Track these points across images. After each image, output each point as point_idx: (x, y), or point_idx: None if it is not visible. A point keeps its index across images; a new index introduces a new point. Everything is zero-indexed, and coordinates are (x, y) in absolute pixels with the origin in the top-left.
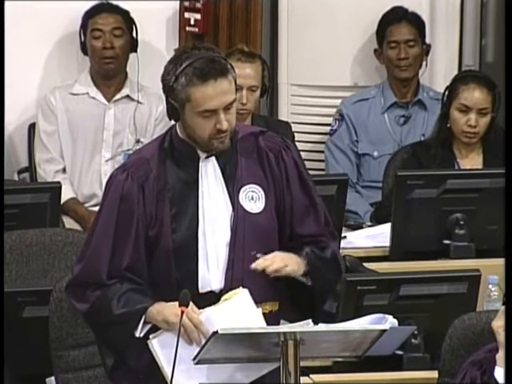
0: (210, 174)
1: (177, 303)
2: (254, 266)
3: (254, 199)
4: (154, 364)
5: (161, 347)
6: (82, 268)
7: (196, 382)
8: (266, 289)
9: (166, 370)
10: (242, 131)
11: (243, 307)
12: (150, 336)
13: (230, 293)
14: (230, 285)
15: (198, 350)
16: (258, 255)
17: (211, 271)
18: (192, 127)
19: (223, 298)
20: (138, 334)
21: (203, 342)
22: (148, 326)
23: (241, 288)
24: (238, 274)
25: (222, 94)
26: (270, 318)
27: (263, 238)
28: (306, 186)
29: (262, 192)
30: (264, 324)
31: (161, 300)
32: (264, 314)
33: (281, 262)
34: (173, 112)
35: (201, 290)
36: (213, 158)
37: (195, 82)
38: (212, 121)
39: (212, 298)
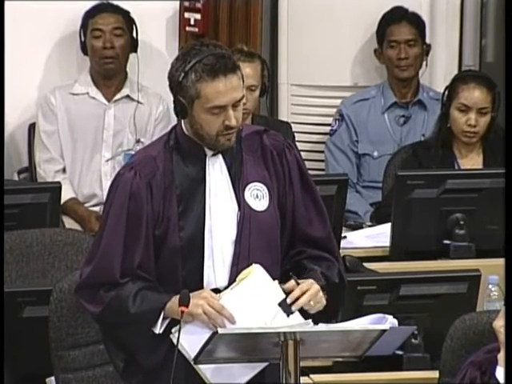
0: (216, 172)
1: (197, 292)
2: (289, 300)
3: (258, 197)
4: (165, 361)
5: (187, 340)
6: (94, 268)
7: None
8: None
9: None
10: (245, 129)
11: (260, 284)
12: (173, 330)
13: (245, 271)
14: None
15: (198, 349)
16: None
17: (216, 268)
18: (200, 124)
19: (238, 277)
20: (158, 330)
21: (228, 325)
22: (167, 322)
23: (253, 264)
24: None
25: (232, 90)
26: None
27: (267, 236)
28: (307, 184)
29: (266, 190)
30: (283, 296)
31: None
32: None
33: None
34: (181, 109)
35: (206, 287)
36: (219, 156)
37: (205, 78)
38: (220, 117)
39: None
